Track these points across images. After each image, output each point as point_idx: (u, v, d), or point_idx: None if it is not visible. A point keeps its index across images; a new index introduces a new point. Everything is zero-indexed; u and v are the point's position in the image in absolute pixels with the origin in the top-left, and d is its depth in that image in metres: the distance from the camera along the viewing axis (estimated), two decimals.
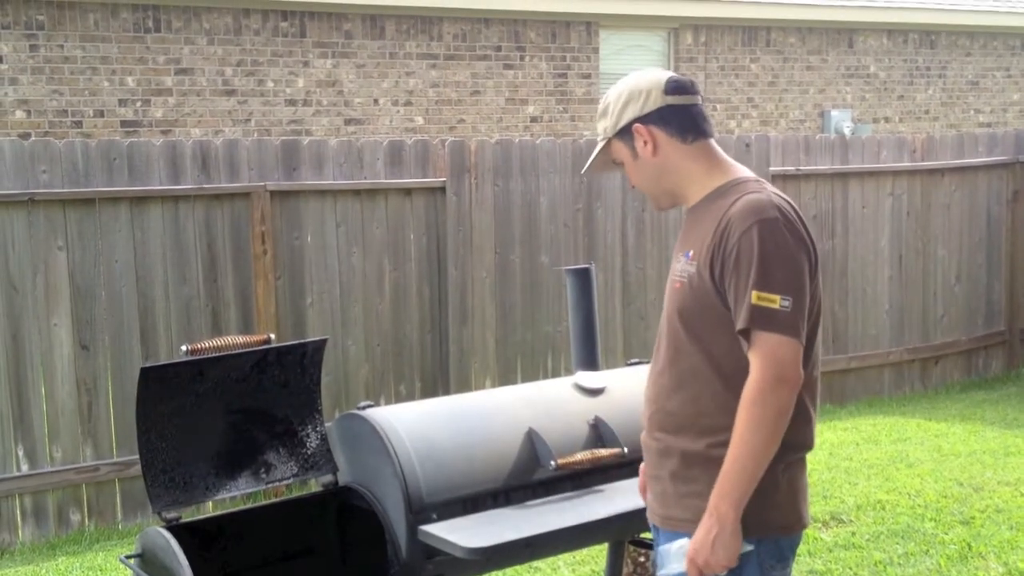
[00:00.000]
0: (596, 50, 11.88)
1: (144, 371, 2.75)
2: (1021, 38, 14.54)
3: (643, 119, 2.57)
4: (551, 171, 7.10)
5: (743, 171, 2.61)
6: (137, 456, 5.80)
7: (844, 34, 13.33)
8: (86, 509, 5.92)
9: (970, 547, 5.03)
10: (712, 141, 2.62)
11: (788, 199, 2.53)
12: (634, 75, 2.66)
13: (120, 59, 9.89)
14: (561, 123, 11.67)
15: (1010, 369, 9.13)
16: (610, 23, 11.97)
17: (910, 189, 8.59)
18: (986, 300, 9.06)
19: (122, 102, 9.94)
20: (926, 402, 8.31)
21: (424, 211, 6.73)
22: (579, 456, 3.06)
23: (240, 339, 2.90)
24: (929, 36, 13.89)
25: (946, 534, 5.21)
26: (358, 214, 6.55)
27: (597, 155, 2.70)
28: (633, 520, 2.95)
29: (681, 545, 2.48)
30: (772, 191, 2.51)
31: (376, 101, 10.90)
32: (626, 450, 3.09)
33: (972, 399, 8.35)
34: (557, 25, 11.65)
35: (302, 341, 3.00)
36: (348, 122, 10.78)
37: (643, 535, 3.24)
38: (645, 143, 2.58)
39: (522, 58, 11.49)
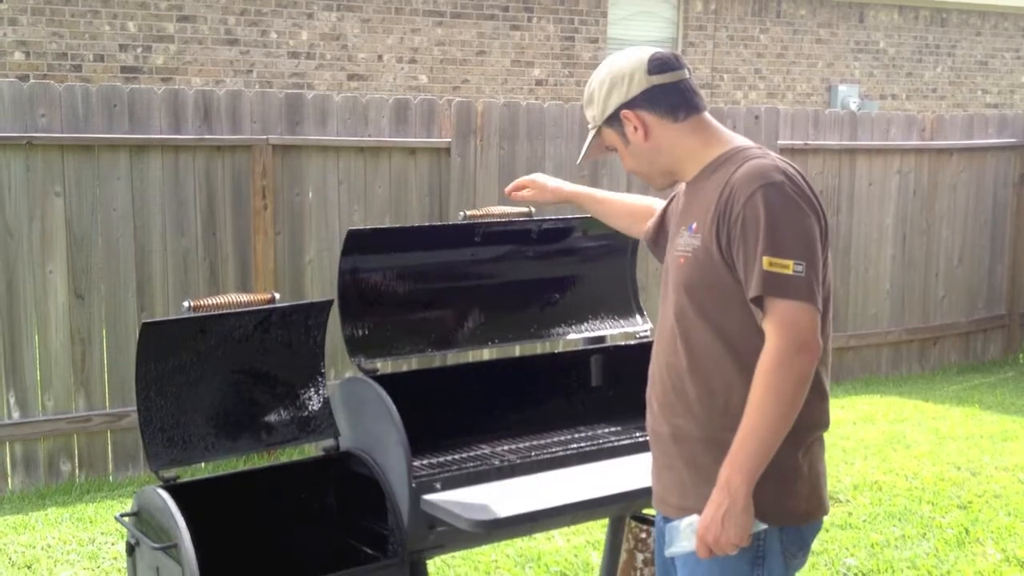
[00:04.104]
0: (604, 14, 11.73)
1: (145, 326, 2.68)
2: None
3: (629, 104, 2.47)
4: (557, 136, 7.00)
5: (742, 140, 2.51)
6: (129, 408, 5.79)
7: (855, 8, 13.19)
8: (77, 460, 5.86)
9: (967, 532, 5.00)
10: (706, 114, 2.51)
11: (794, 165, 2.43)
12: (614, 58, 2.55)
13: (122, 3, 9.74)
14: (567, 87, 11.55)
15: (1008, 353, 9.10)
16: None
17: (917, 168, 8.51)
18: (988, 283, 9.00)
19: (123, 47, 9.80)
20: (923, 383, 8.28)
21: (428, 172, 6.64)
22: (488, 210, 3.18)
23: (244, 297, 2.82)
24: (940, 13, 13.76)
25: (943, 518, 5.19)
26: (361, 172, 6.45)
27: (590, 144, 2.60)
28: (637, 498, 2.90)
29: (691, 522, 2.39)
30: (776, 156, 2.42)
31: (380, 57, 10.76)
32: (533, 210, 3.14)
33: (969, 382, 8.32)
34: None
35: (307, 302, 2.93)
36: (351, 77, 10.65)
37: (645, 511, 3.18)
38: (635, 128, 2.48)
39: (529, 19, 11.34)
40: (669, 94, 2.47)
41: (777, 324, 2.27)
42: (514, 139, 6.85)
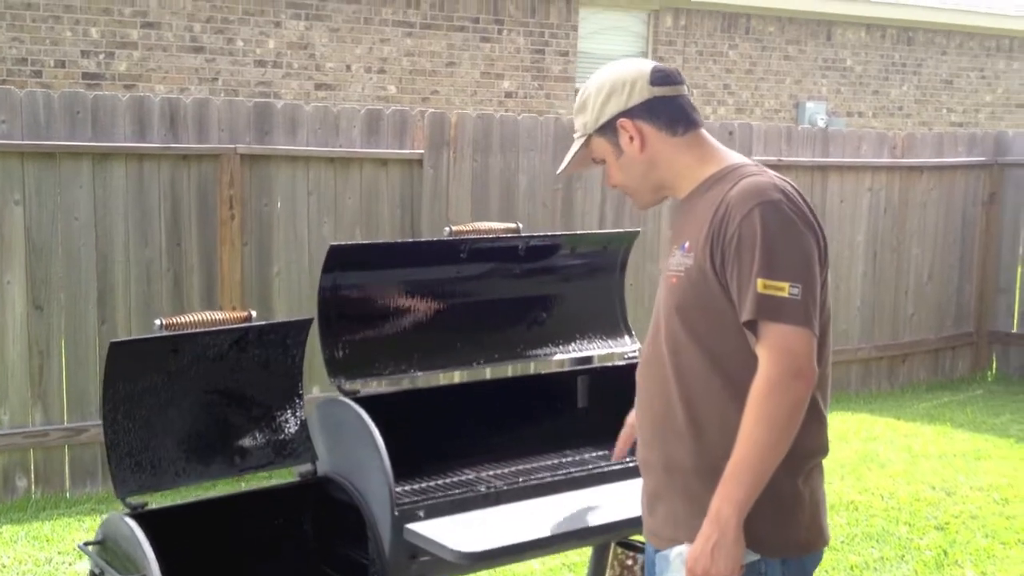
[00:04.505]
0: (575, 28, 11.67)
1: (114, 346, 2.53)
2: (997, 39, 14.53)
3: (628, 113, 2.37)
4: (531, 149, 6.90)
5: (739, 157, 2.42)
6: (88, 423, 5.62)
7: (823, 26, 13.23)
8: (33, 475, 5.67)
9: (946, 554, 4.95)
10: (703, 130, 2.43)
11: (791, 183, 2.34)
12: (614, 65, 2.45)
13: (84, 8, 9.53)
14: (536, 100, 11.46)
15: (976, 371, 9.10)
16: (590, 0, 11.75)
17: (888, 185, 8.50)
18: (956, 301, 9.00)
19: (84, 53, 9.59)
20: (893, 400, 8.25)
21: (399, 183, 6.51)
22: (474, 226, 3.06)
23: (219, 315, 2.69)
24: (907, 32, 13.83)
25: (921, 539, 5.13)
26: (331, 183, 6.32)
27: (576, 154, 2.48)
28: (627, 528, 2.80)
29: (680, 552, 2.30)
30: (774, 174, 2.33)
31: (348, 67, 10.62)
32: (520, 225, 3.04)
33: (939, 399, 8.30)
34: None
35: (285, 320, 2.80)
36: (319, 87, 10.49)
37: (633, 537, 3.07)
38: (631, 138, 2.37)
39: (499, 32, 11.25)
40: (670, 107, 2.38)
41: (770, 349, 2.18)
42: (487, 151, 6.74)
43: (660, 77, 2.38)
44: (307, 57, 10.43)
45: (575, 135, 2.49)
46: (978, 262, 9.05)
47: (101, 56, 9.63)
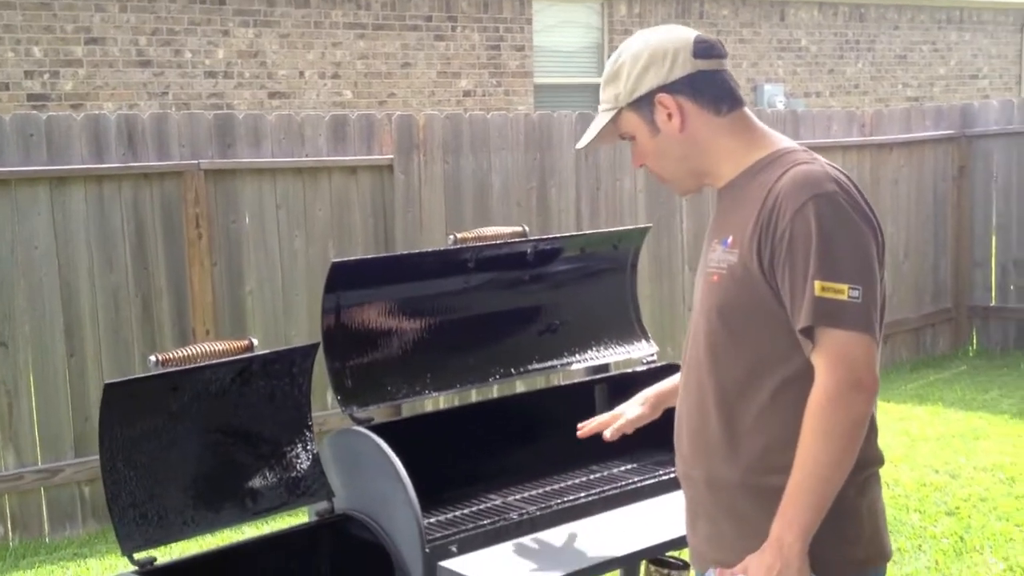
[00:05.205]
0: (529, 21, 11.49)
1: (108, 387, 2.31)
2: (947, 11, 14.56)
3: (669, 87, 2.13)
4: (503, 148, 6.70)
5: (787, 141, 2.20)
6: (63, 462, 5.35)
7: (776, 7, 13.16)
8: (9, 522, 5.39)
9: (963, 540, 4.82)
10: (747, 109, 2.21)
11: (844, 172, 2.13)
12: (651, 32, 2.20)
13: (25, 28, 9.19)
14: (495, 97, 11.27)
15: (956, 347, 9.04)
16: None
17: (860, 164, 8.41)
18: (933, 278, 8.94)
19: (28, 74, 9.25)
20: (880, 382, 8.15)
21: (370, 191, 6.29)
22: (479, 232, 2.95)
23: (218, 346, 2.47)
24: (858, 9, 13.81)
25: (935, 527, 5.01)
26: (300, 194, 6.09)
27: (604, 128, 2.23)
28: (672, 547, 2.62)
29: None
30: (825, 161, 2.12)
31: (301, 73, 10.36)
32: (527, 228, 2.97)
33: (925, 378, 8.22)
34: None
35: (290, 347, 2.58)
36: (272, 95, 10.22)
37: (669, 554, 2.89)
38: (670, 116, 2.14)
39: (453, 29, 11.04)
40: (713, 82, 2.15)
41: (828, 358, 1.99)
42: (458, 152, 6.54)
43: (704, 48, 2.14)
44: (258, 65, 10.15)
45: (601, 107, 2.23)
46: (952, 237, 9.00)
47: (46, 76, 9.30)
